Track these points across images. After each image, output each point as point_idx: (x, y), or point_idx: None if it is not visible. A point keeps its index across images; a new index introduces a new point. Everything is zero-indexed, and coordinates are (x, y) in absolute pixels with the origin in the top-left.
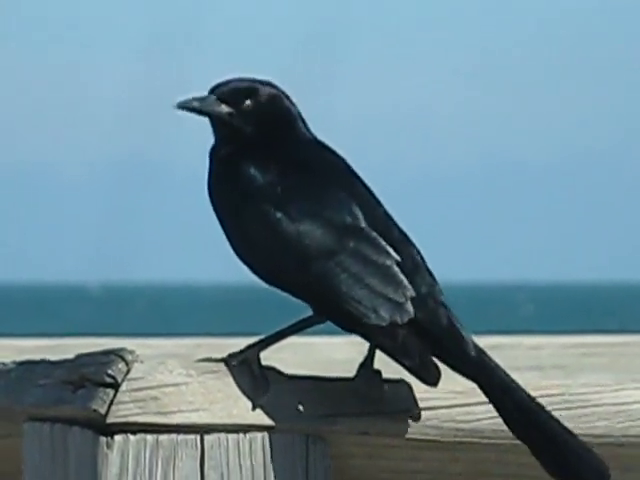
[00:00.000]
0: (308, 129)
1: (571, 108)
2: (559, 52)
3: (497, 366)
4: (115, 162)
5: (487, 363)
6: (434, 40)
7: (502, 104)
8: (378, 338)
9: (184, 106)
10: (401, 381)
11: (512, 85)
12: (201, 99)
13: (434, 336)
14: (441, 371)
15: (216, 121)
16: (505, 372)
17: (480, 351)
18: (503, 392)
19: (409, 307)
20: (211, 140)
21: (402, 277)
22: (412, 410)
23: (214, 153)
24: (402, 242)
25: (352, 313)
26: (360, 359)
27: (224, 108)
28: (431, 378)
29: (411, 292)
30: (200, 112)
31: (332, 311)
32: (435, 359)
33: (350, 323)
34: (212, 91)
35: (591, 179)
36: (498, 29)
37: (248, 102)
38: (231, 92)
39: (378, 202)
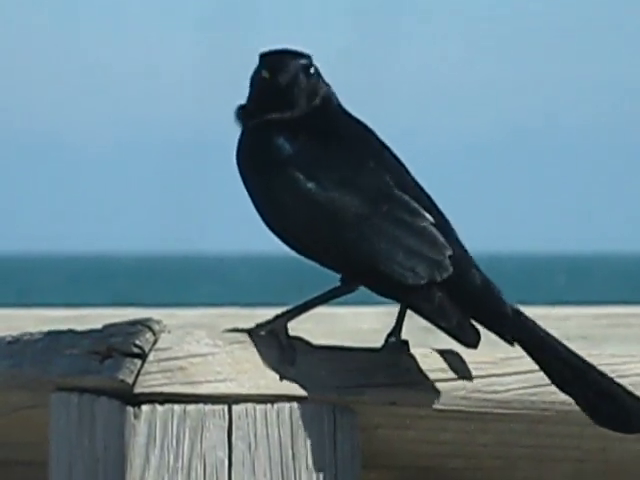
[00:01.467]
0: (339, 102)
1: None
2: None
3: (536, 324)
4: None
5: (526, 321)
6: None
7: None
8: (415, 300)
9: (271, 68)
10: (433, 351)
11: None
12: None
13: (470, 296)
14: (480, 333)
15: (276, 89)
16: (544, 329)
17: (517, 311)
18: (545, 348)
19: (447, 264)
20: None
21: (439, 236)
22: (441, 380)
23: (245, 120)
24: (433, 208)
25: (389, 274)
26: (385, 329)
27: (286, 77)
28: (470, 340)
29: (449, 250)
30: (278, 77)
31: (367, 275)
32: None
33: (386, 285)
34: (264, 56)
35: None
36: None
37: (303, 75)
38: (289, 62)
39: (407, 171)
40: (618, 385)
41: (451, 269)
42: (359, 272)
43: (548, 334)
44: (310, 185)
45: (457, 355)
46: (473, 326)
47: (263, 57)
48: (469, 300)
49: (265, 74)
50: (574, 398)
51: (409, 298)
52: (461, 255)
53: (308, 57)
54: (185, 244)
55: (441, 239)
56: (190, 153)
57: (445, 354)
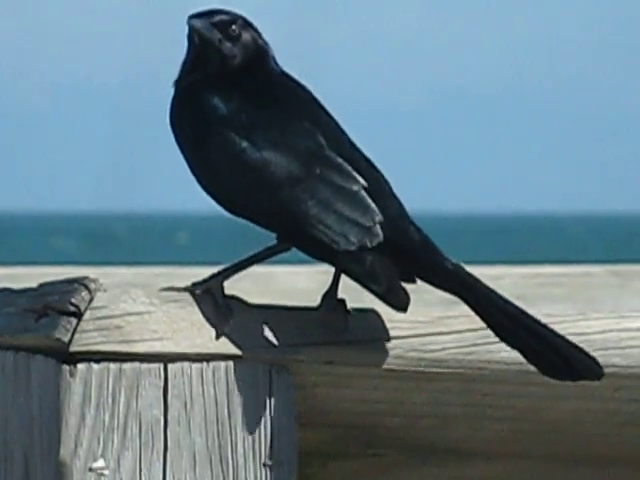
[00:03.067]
0: (276, 63)
1: None
2: None
3: (476, 278)
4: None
5: (466, 275)
6: None
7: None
8: (346, 263)
9: (194, 26)
10: (368, 310)
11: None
12: (200, 22)
13: (408, 253)
14: (409, 296)
15: (207, 46)
16: (484, 283)
17: (456, 264)
18: (487, 300)
19: (378, 231)
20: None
21: (370, 202)
22: (378, 339)
23: (179, 81)
24: (368, 168)
25: (320, 239)
26: (321, 288)
27: (217, 34)
28: (400, 303)
29: (379, 217)
30: (200, 34)
31: (299, 238)
32: (411, 281)
33: (318, 249)
34: (190, 18)
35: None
36: None
37: (235, 29)
38: (221, 20)
39: (343, 132)
40: (559, 336)
41: (381, 235)
42: (291, 234)
43: (489, 287)
44: (243, 145)
45: (377, 314)
46: (404, 289)
47: (189, 18)
48: (408, 257)
49: (215, 34)
50: (519, 349)
51: (339, 262)
52: (397, 215)
53: (235, 15)
54: (120, 203)
55: (372, 205)
56: (127, 115)
57: (369, 313)
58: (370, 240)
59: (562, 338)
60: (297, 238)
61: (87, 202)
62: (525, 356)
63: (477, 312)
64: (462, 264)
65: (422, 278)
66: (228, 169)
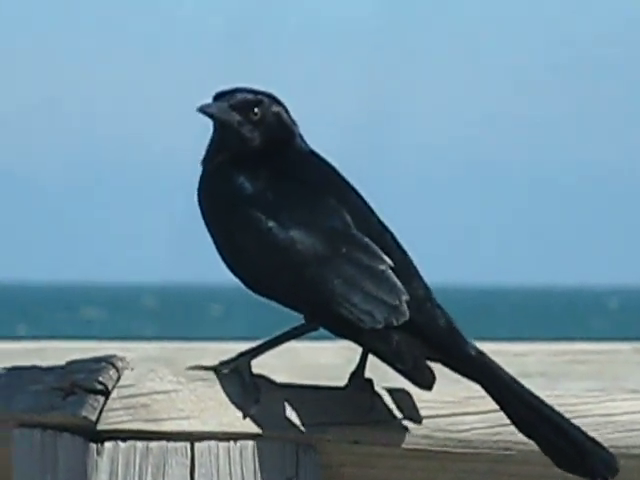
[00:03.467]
0: (304, 141)
1: None
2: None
3: (499, 366)
4: None
5: (489, 363)
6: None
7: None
8: (372, 342)
9: (204, 110)
10: (397, 390)
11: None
12: (216, 106)
13: (433, 338)
14: (435, 375)
15: (225, 129)
16: (507, 372)
17: (480, 352)
18: (507, 390)
19: (404, 309)
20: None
21: (396, 280)
22: (405, 419)
23: (207, 161)
24: (394, 248)
25: (347, 317)
26: (345, 364)
27: (235, 116)
28: (425, 382)
29: (406, 295)
30: (214, 118)
31: (326, 317)
32: (435, 362)
33: (344, 328)
34: (217, 98)
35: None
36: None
37: (257, 112)
38: (241, 101)
39: (371, 210)
40: (578, 429)
41: (408, 314)
42: (318, 313)
43: (511, 377)
44: (270, 225)
45: (408, 394)
46: (429, 368)
47: (215, 98)
48: (432, 341)
49: (234, 116)
50: (536, 441)
51: (366, 341)
52: (424, 296)
53: (259, 95)
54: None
55: (398, 284)
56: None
57: (398, 392)
58: (396, 318)
59: (581, 432)
60: (323, 317)
61: (117, 272)
62: (541, 447)
63: (497, 402)
64: (483, 351)
65: (443, 363)
66: (254, 248)
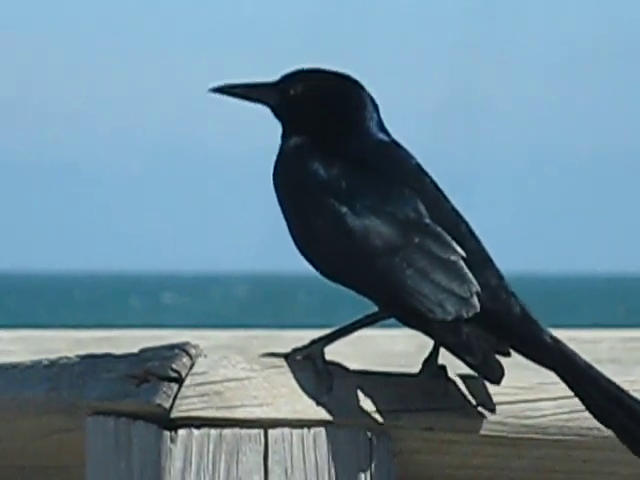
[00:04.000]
0: (382, 124)
1: None
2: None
3: (574, 353)
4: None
5: (564, 350)
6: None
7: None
8: (441, 334)
9: (224, 90)
10: (470, 376)
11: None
12: (253, 85)
13: (507, 326)
14: (504, 369)
15: (272, 110)
16: (583, 358)
17: (555, 339)
18: (583, 378)
19: (475, 302)
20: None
21: (467, 272)
22: (478, 405)
23: (283, 144)
24: (469, 237)
25: (417, 308)
26: (418, 352)
27: (269, 95)
28: (494, 376)
29: (476, 287)
30: (239, 97)
31: (397, 307)
32: (507, 355)
33: (414, 319)
34: (295, 75)
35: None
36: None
37: (292, 90)
38: (282, 79)
39: (445, 198)
40: None
41: (478, 306)
42: (389, 302)
43: (586, 363)
44: (343, 212)
45: (481, 381)
46: (499, 362)
47: (295, 75)
48: (506, 330)
49: (293, 91)
50: (612, 428)
51: (435, 332)
52: (498, 285)
53: (341, 76)
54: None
55: (470, 275)
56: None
57: (471, 379)
58: (467, 311)
59: None
60: (394, 307)
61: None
62: (618, 436)
63: (572, 389)
64: (559, 338)
65: (519, 351)
66: (326, 235)
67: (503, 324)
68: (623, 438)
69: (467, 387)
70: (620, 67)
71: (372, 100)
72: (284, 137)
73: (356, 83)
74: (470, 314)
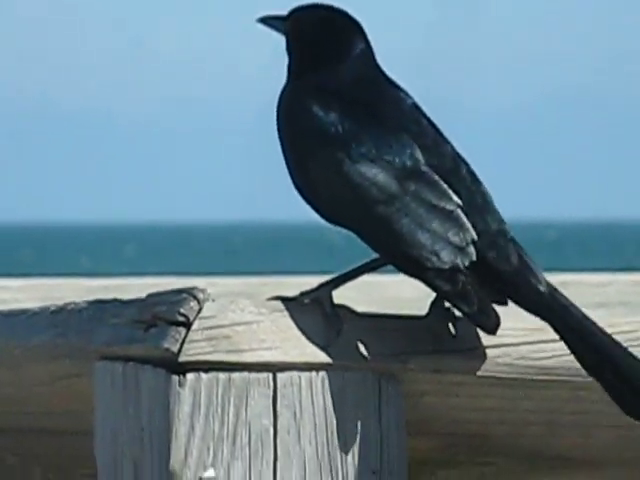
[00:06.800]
0: (377, 65)
1: None
2: None
3: (570, 304)
4: None
5: (559, 301)
6: None
7: None
8: (437, 282)
9: (264, 21)
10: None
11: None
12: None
13: (502, 275)
14: (500, 318)
15: (299, 45)
16: (578, 309)
17: (552, 288)
18: (576, 331)
19: (471, 250)
20: None
21: (464, 220)
22: (487, 347)
23: (286, 83)
24: (469, 181)
25: (413, 257)
26: (426, 297)
27: (280, 29)
28: (489, 325)
29: (473, 236)
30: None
31: (393, 255)
32: (503, 303)
33: (411, 267)
34: (293, 13)
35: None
36: None
37: (293, 25)
38: (289, 14)
39: (445, 141)
40: None
41: (474, 255)
42: (386, 250)
43: (582, 316)
44: (340, 160)
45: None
46: (495, 311)
47: (292, 13)
48: (501, 280)
49: (288, 30)
50: (602, 384)
51: (432, 281)
52: (497, 231)
53: (339, 12)
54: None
55: (467, 224)
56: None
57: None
58: (462, 260)
59: None
60: (391, 255)
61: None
62: (608, 392)
63: (565, 342)
64: (556, 287)
65: (514, 300)
66: (324, 182)
67: (499, 273)
68: (611, 394)
69: (474, 328)
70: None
71: (366, 38)
72: (288, 74)
73: (353, 20)
74: (466, 263)
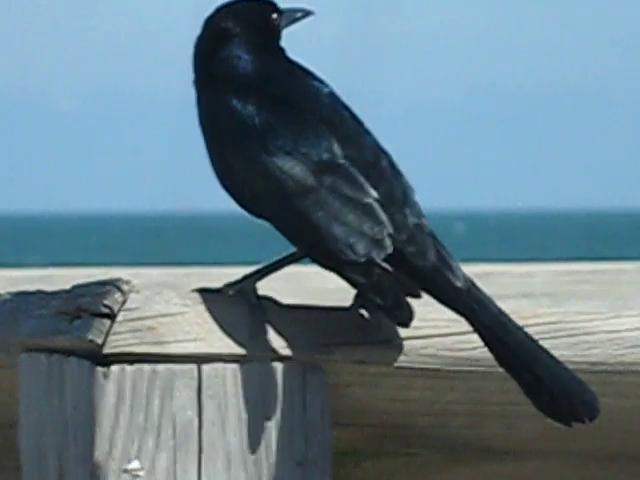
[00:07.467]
0: (287, 56)
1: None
2: None
3: (487, 299)
4: None
5: (475, 297)
6: None
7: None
8: (352, 275)
9: None
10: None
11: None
12: None
13: (419, 270)
14: (414, 312)
15: (206, 46)
16: (495, 305)
17: (469, 283)
18: (490, 327)
19: (387, 243)
20: None
21: (381, 214)
22: (411, 338)
23: (198, 83)
24: (388, 174)
25: (329, 250)
26: (352, 289)
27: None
28: (403, 319)
29: (389, 229)
30: None
31: (310, 248)
32: (418, 297)
33: (327, 260)
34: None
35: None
36: None
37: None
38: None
39: (365, 131)
40: (565, 369)
41: (390, 248)
42: (302, 243)
43: (498, 312)
44: (258, 152)
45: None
46: (409, 305)
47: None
48: (418, 274)
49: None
50: (516, 380)
51: (347, 274)
52: (415, 225)
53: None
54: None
55: (383, 217)
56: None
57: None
58: (378, 253)
59: (566, 371)
60: (308, 248)
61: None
62: (521, 388)
63: (481, 338)
64: (474, 281)
65: (430, 294)
66: (243, 175)
67: (416, 267)
68: (524, 390)
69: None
70: None
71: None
72: (199, 79)
73: (269, 6)
74: (381, 256)
